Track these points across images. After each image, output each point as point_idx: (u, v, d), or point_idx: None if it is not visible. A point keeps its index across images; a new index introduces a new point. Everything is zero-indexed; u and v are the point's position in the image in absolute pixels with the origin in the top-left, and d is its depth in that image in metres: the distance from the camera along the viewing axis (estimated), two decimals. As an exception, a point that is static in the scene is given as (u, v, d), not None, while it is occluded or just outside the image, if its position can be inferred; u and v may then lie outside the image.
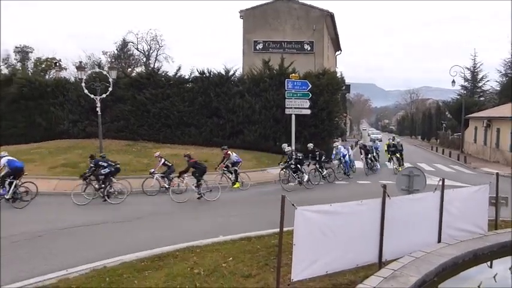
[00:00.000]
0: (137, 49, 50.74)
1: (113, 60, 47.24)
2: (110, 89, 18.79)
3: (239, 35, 33.42)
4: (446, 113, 58.67)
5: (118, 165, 15.11)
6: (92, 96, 18.36)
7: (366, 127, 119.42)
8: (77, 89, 26.47)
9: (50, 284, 6.83)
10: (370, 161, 22.50)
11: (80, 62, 26.15)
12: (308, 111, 23.82)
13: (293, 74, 24.95)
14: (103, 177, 14.54)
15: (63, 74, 39.45)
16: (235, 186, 17.23)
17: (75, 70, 32.25)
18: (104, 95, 18.56)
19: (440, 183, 7.41)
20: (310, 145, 19.53)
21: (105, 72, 21.35)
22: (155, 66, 42.88)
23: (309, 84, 23.81)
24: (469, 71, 53.91)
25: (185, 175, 15.23)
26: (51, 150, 23.03)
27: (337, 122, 29.57)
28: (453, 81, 39.70)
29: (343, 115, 43.62)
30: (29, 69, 46.49)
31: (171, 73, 29.08)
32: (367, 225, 6.25)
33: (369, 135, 71.66)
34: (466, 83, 53.67)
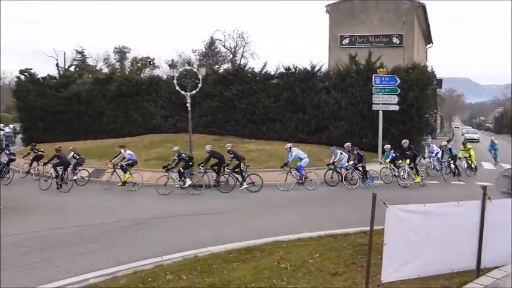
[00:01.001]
0: (224, 46, 52.13)
1: (201, 57, 48.98)
2: (200, 85, 19.48)
3: (325, 30, 33.11)
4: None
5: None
6: (183, 92, 19.16)
7: (458, 124, 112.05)
8: (168, 86, 27.84)
9: (147, 269, 7.28)
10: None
11: (172, 60, 27.47)
12: (396, 107, 23.00)
13: (381, 69, 24.21)
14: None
15: (156, 72, 41.84)
16: (120, 185, 17.06)
17: (167, 68, 33.93)
18: (194, 92, 19.29)
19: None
20: (405, 141, 18.62)
21: (195, 70, 22.19)
22: (241, 63, 43.76)
23: (398, 79, 22.97)
24: None
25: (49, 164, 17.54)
26: (145, 144, 24.53)
27: (427, 119, 28.14)
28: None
29: (434, 111, 41.33)
30: (127, 68, 49.79)
31: (257, 69, 29.54)
32: (464, 228, 5.89)
33: (462, 134, 66.39)
34: None
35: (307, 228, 9.90)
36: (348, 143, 18.44)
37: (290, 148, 17.56)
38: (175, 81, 19.34)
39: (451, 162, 19.65)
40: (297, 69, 27.92)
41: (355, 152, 17.77)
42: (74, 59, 51.97)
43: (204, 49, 51.35)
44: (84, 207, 14.00)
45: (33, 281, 6.96)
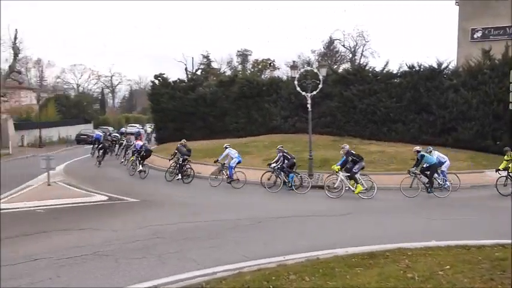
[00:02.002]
0: (343, 46, 51.47)
1: (320, 58, 48.94)
2: (320, 86, 19.49)
3: (453, 23, 30.89)
4: None
5: None
6: (303, 93, 19.34)
7: None
8: (288, 87, 28.31)
9: (271, 268, 7.48)
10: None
11: (293, 62, 27.90)
12: (540, 107, 20.55)
13: (521, 64, 21.88)
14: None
15: (276, 73, 42.83)
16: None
17: (287, 69, 34.48)
18: (314, 92, 19.36)
19: None
20: (344, 146, 16.57)
21: (315, 70, 22.24)
22: (361, 62, 42.78)
23: (543, 75, 20.50)
24: None
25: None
26: (265, 144, 25.24)
27: None
28: None
29: None
30: (248, 70, 51.79)
31: (378, 68, 28.77)
32: None
33: None
34: None
35: (433, 237, 9.37)
36: (279, 145, 18.33)
37: (226, 148, 18.66)
38: (296, 82, 19.62)
39: (417, 172, 15.91)
40: (422, 67, 26.59)
41: (280, 154, 17.29)
42: (200, 63, 55.56)
43: (322, 49, 51.27)
44: (209, 203, 14.90)
45: (168, 270, 7.57)
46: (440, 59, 26.76)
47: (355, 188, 15.45)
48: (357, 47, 51.21)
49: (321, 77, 19.70)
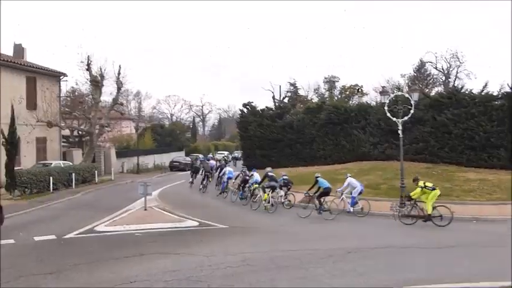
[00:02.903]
0: (436, 68, 49.21)
1: (410, 82, 47.20)
2: (412, 111, 18.71)
3: None
4: None
5: None
6: (394, 119, 18.69)
7: None
8: (377, 113, 27.59)
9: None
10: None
11: (383, 87, 27.16)
12: None
13: None
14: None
15: (364, 99, 42.04)
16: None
17: (376, 94, 33.69)
18: (406, 118, 18.62)
19: None
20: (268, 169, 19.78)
21: (406, 95, 21.42)
22: (455, 85, 40.60)
23: None
24: None
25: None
26: (355, 172, 24.58)
27: None
28: None
29: None
30: (335, 96, 51.38)
31: (475, 90, 27.10)
32: None
33: None
34: None
35: None
36: (244, 167, 23.03)
37: (225, 166, 25.79)
38: (386, 108, 19.06)
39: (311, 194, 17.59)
40: (527, 86, 24.53)
41: (238, 173, 22.64)
42: (287, 91, 56.27)
43: (413, 72, 49.45)
44: (299, 231, 14.71)
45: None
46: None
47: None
48: (451, 69, 48.64)
49: (412, 102, 18.92)
